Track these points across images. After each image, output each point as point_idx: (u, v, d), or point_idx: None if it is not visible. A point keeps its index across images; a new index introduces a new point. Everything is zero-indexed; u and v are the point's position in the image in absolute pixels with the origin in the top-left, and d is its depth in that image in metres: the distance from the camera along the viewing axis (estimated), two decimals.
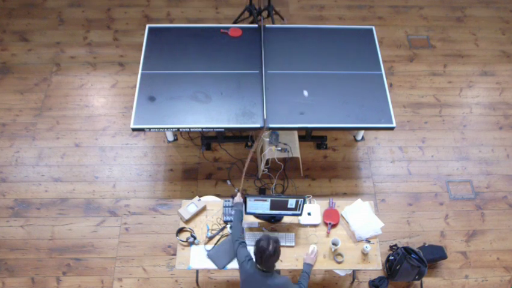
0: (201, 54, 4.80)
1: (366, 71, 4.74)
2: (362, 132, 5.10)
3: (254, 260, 3.24)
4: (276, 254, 3.14)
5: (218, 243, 3.72)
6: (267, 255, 3.11)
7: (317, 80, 4.65)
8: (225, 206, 3.88)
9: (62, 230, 4.53)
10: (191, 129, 4.37)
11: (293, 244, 3.72)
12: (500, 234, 4.63)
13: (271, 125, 4.36)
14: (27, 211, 4.63)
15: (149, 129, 4.35)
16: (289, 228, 3.81)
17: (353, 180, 4.91)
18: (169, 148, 5.07)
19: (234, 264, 3.63)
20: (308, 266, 3.52)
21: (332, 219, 3.82)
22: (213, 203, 3.96)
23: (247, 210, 3.70)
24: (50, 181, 4.81)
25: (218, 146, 5.08)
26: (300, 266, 3.64)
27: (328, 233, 3.78)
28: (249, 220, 3.84)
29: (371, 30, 5.06)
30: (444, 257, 4.33)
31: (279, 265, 3.65)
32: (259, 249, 3.13)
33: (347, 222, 3.84)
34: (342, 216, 3.87)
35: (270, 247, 3.10)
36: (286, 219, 3.85)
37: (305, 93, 3.87)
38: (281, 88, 4.59)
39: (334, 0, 6.35)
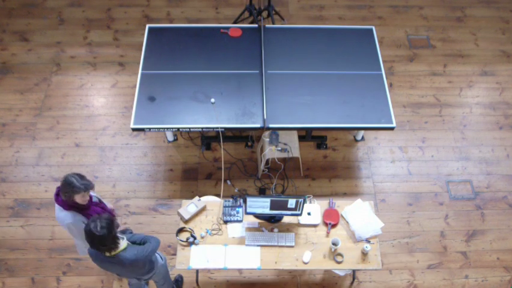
0: (201, 54, 4.80)
1: (366, 71, 4.74)
2: (362, 132, 5.10)
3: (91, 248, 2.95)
4: (108, 232, 2.81)
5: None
6: (98, 237, 2.80)
7: (317, 80, 4.65)
8: (225, 206, 3.88)
9: (62, 230, 4.53)
10: (191, 129, 4.37)
11: (293, 244, 3.72)
12: (500, 234, 4.63)
13: (271, 125, 4.36)
14: (27, 211, 4.63)
15: (149, 129, 4.35)
16: (289, 228, 3.82)
17: (353, 180, 4.91)
18: (169, 148, 5.07)
19: (234, 265, 3.64)
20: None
21: (332, 219, 3.82)
22: (213, 203, 3.96)
23: (247, 210, 3.70)
24: (50, 181, 4.81)
25: (218, 146, 5.08)
26: (300, 266, 3.64)
27: (328, 233, 3.78)
28: (249, 220, 3.84)
29: (371, 30, 5.06)
30: None
31: (278, 265, 3.66)
32: (88, 235, 2.80)
33: (347, 222, 3.84)
34: (342, 216, 3.87)
35: (98, 228, 2.79)
36: (286, 219, 3.85)
37: (212, 100, 4.13)
38: (281, 88, 4.59)
39: (334, 0, 6.35)
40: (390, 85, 5.52)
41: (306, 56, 4.82)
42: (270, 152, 4.50)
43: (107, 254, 2.96)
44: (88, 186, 3.18)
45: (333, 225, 3.81)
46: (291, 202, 3.59)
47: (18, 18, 6.02)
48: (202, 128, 4.35)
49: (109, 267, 3.12)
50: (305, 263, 3.66)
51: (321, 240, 3.76)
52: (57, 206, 3.28)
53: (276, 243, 3.72)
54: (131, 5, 6.21)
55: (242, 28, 5.02)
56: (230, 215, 3.84)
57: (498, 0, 6.41)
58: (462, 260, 4.48)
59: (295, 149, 4.54)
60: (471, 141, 5.18)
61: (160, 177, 4.86)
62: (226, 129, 4.39)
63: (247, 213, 3.75)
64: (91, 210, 3.32)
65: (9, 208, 4.65)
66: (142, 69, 4.68)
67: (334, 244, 3.64)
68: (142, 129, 4.37)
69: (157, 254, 3.61)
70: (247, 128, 4.39)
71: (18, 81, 5.47)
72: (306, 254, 3.68)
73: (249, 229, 3.80)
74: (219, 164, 4.97)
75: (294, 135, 4.63)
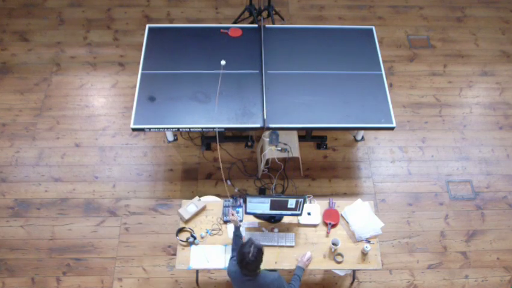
0: (201, 54, 4.80)
1: (366, 71, 4.74)
2: (362, 132, 5.10)
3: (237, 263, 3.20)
4: (256, 260, 3.11)
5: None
6: (247, 261, 3.09)
7: (317, 80, 4.65)
8: (225, 206, 3.88)
9: (62, 230, 4.53)
10: (191, 129, 4.37)
11: (293, 244, 3.72)
12: (500, 234, 4.63)
13: (271, 125, 4.36)
14: (27, 211, 4.63)
15: (149, 129, 4.35)
16: (289, 228, 3.82)
17: (353, 180, 4.90)
18: (169, 148, 5.07)
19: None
20: (300, 270, 3.52)
21: (332, 219, 3.82)
22: (213, 203, 3.96)
23: (247, 210, 3.70)
24: (50, 181, 4.81)
25: (218, 146, 5.08)
26: None
27: (328, 233, 3.78)
28: (249, 220, 3.84)
29: (371, 30, 5.06)
30: None
31: (278, 265, 3.65)
32: (240, 255, 3.12)
33: (347, 222, 3.84)
34: (342, 216, 3.87)
35: (250, 254, 3.08)
36: (286, 219, 3.85)
37: (223, 62, 4.04)
38: (281, 88, 4.59)
39: (334, 0, 6.35)
40: (390, 85, 5.52)
41: (306, 56, 4.82)
42: (270, 152, 4.50)
43: (247, 275, 3.21)
44: None
45: (333, 225, 3.81)
46: (291, 202, 3.59)
47: (18, 18, 6.02)
48: (202, 128, 4.35)
49: (239, 284, 3.32)
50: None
51: (321, 240, 3.76)
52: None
53: (276, 243, 3.72)
54: (131, 5, 6.21)
55: (242, 28, 5.02)
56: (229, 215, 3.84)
57: (498, 0, 6.41)
58: (462, 260, 4.48)
59: (295, 149, 4.54)
60: (471, 141, 5.18)
61: (160, 177, 4.86)
62: (226, 129, 4.39)
63: (247, 213, 3.75)
64: None
65: (9, 208, 4.65)
66: (142, 69, 4.68)
67: (334, 244, 3.64)
68: (142, 129, 4.37)
69: None
70: (247, 128, 4.39)
71: (18, 81, 5.47)
72: (308, 254, 3.67)
73: (249, 229, 3.80)
74: (219, 164, 4.97)
75: (294, 135, 4.63)
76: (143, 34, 5.64)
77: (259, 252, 3.13)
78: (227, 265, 3.48)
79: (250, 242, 3.15)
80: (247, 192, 4.77)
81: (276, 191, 4.79)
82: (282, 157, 4.57)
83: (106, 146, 5.04)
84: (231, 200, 3.93)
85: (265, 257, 3.63)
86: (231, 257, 3.41)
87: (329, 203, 3.92)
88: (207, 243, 3.74)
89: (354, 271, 4.26)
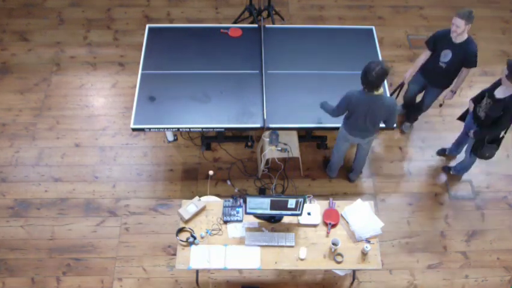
0: (201, 54, 4.80)
1: None
2: None
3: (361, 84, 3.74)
4: (377, 80, 3.59)
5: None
6: (376, 73, 3.55)
7: (317, 80, 4.65)
8: (225, 206, 3.88)
9: (62, 230, 4.53)
10: (191, 129, 4.37)
11: (293, 244, 3.72)
12: (500, 234, 4.63)
13: (271, 125, 4.36)
14: (27, 211, 4.63)
15: (149, 129, 4.35)
16: (289, 228, 3.82)
17: None
18: (169, 148, 5.07)
19: (234, 265, 3.64)
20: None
21: (332, 219, 3.82)
22: (213, 203, 3.96)
23: (247, 210, 3.70)
24: (50, 181, 4.81)
25: (218, 146, 5.08)
26: (300, 266, 3.64)
27: (328, 233, 3.78)
28: (249, 220, 3.84)
29: (371, 30, 5.06)
30: None
31: (278, 265, 3.66)
32: (365, 72, 3.61)
33: (347, 222, 3.84)
34: (342, 216, 3.87)
35: (374, 72, 3.55)
36: (286, 219, 3.85)
37: (210, 172, 4.09)
38: (281, 88, 4.59)
39: (334, 0, 6.35)
40: (390, 85, 5.52)
41: (306, 56, 4.82)
42: (270, 152, 4.50)
43: (374, 92, 3.73)
44: None
45: (333, 225, 3.81)
46: (291, 202, 3.59)
47: (18, 18, 6.02)
48: (202, 128, 4.36)
49: (362, 108, 3.84)
50: (302, 259, 3.65)
51: (321, 240, 3.76)
52: None
53: (276, 243, 3.72)
54: (131, 5, 6.21)
55: (242, 28, 5.02)
56: (230, 215, 3.84)
57: (498, 0, 6.41)
58: (462, 260, 4.48)
59: (295, 149, 4.54)
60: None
61: (160, 177, 4.86)
62: (226, 129, 4.39)
63: (247, 213, 3.75)
64: None
65: (9, 208, 4.65)
66: (142, 69, 4.68)
67: (334, 244, 3.64)
68: (142, 129, 4.37)
69: None
70: (247, 128, 4.40)
71: (18, 81, 5.47)
72: (302, 250, 3.68)
73: (249, 229, 3.80)
74: (219, 164, 4.97)
75: (294, 135, 4.63)
76: (143, 34, 5.64)
77: (384, 72, 3.57)
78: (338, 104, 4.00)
79: (378, 62, 3.59)
80: (247, 192, 4.77)
81: (276, 191, 4.79)
82: (282, 157, 4.57)
83: (106, 146, 5.04)
84: (231, 200, 3.93)
85: (265, 257, 3.64)
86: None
87: (329, 203, 3.92)
88: (206, 243, 3.74)
89: (354, 271, 4.26)
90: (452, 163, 4.96)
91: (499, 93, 3.85)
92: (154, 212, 4.65)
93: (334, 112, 4.05)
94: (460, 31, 4.09)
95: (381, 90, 3.77)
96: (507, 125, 3.95)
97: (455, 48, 4.21)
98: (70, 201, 4.69)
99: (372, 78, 3.60)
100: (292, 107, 4.46)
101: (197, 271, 4.27)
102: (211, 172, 4.09)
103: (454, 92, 4.58)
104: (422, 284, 4.35)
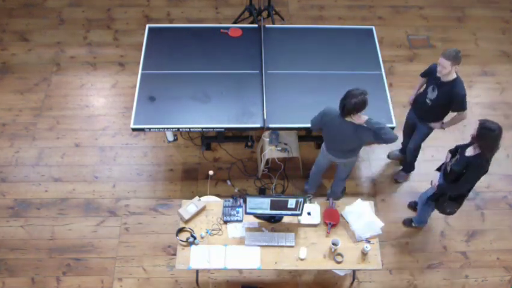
0: (201, 54, 4.80)
1: (366, 71, 4.74)
2: None
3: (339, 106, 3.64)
4: (354, 108, 3.53)
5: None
6: (345, 103, 3.54)
7: (317, 80, 4.65)
8: (225, 206, 3.88)
9: (62, 230, 4.53)
10: (191, 129, 4.37)
11: (293, 244, 3.72)
12: (500, 234, 4.62)
13: (271, 125, 4.36)
14: (27, 211, 4.63)
15: (149, 129, 4.35)
16: (289, 228, 3.81)
17: (353, 180, 4.90)
18: (169, 148, 5.07)
19: (234, 265, 3.64)
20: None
21: (332, 220, 3.82)
22: (213, 203, 3.96)
23: (247, 210, 3.70)
24: (50, 181, 4.81)
25: (218, 146, 5.08)
26: (300, 266, 3.64)
27: (328, 233, 3.78)
28: (249, 220, 3.84)
29: (371, 30, 5.06)
30: None
31: (278, 265, 3.65)
32: (347, 94, 3.56)
33: (347, 222, 3.84)
34: (342, 216, 3.87)
35: (354, 100, 3.50)
36: (286, 219, 3.85)
37: (210, 172, 4.17)
38: (281, 88, 4.59)
39: (334, 0, 6.35)
40: (390, 85, 5.52)
41: (306, 56, 4.82)
42: (270, 152, 4.50)
43: (347, 118, 3.65)
44: None
45: (333, 225, 3.81)
46: (291, 202, 3.59)
47: (18, 18, 6.02)
48: (202, 128, 4.36)
49: (333, 129, 3.78)
50: (302, 259, 3.65)
51: (321, 240, 3.76)
52: None
53: (276, 243, 3.72)
54: (131, 5, 6.21)
55: (242, 28, 5.02)
56: (230, 215, 3.84)
57: (498, 0, 6.40)
58: (462, 260, 4.48)
59: (295, 149, 4.54)
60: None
61: (160, 177, 4.86)
62: (226, 129, 4.39)
63: (247, 213, 3.75)
64: None
65: (9, 208, 4.65)
66: (142, 69, 4.68)
67: (334, 244, 3.64)
68: (142, 129, 4.37)
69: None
70: (247, 128, 4.40)
71: (18, 81, 5.47)
72: (302, 250, 3.67)
73: (249, 229, 3.80)
74: (219, 164, 4.97)
75: (294, 135, 4.63)
76: (143, 34, 5.61)
77: (363, 102, 3.53)
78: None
79: (362, 90, 3.56)
80: (247, 192, 4.77)
81: (276, 191, 4.79)
82: (282, 157, 4.57)
83: (106, 146, 5.04)
84: (231, 200, 3.93)
85: (265, 257, 3.64)
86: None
87: (329, 203, 3.92)
88: (206, 243, 3.74)
89: (354, 271, 4.26)
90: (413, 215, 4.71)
91: (469, 151, 3.64)
92: (154, 212, 4.65)
93: (311, 124, 4.00)
94: (445, 72, 3.78)
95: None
96: (468, 185, 3.72)
97: (441, 86, 3.93)
98: (70, 201, 4.69)
99: (350, 105, 3.53)
100: (292, 107, 4.46)
101: (197, 271, 4.27)
102: (211, 172, 4.10)
103: (443, 124, 4.26)
104: (422, 284, 4.35)
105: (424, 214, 4.41)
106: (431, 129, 4.40)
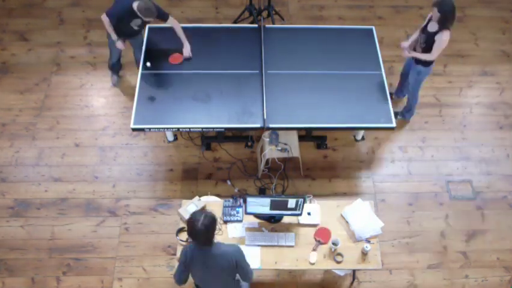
0: (201, 54, 4.80)
1: (366, 71, 4.74)
2: (362, 132, 5.10)
3: (190, 240, 3.02)
4: (206, 230, 2.87)
5: None
6: (196, 231, 2.85)
7: (317, 80, 4.65)
8: (225, 206, 3.88)
9: (62, 230, 4.53)
10: (191, 129, 4.37)
11: (293, 244, 3.72)
12: (500, 234, 4.62)
13: (271, 125, 4.36)
14: (27, 211, 4.63)
15: (149, 129, 4.35)
16: (289, 228, 3.81)
17: (353, 180, 4.90)
18: (169, 148, 5.07)
19: None
20: None
21: (322, 237, 3.74)
22: (213, 203, 3.96)
23: (247, 210, 3.70)
24: (50, 181, 4.81)
25: (218, 146, 5.08)
26: (300, 266, 3.64)
27: (314, 249, 3.68)
28: (249, 220, 3.84)
29: (371, 30, 5.06)
30: None
31: (278, 265, 3.65)
32: (189, 225, 2.88)
33: (347, 222, 3.84)
34: (342, 216, 3.87)
35: (199, 223, 2.84)
36: (286, 219, 3.85)
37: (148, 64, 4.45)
38: (281, 88, 4.59)
39: (334, 0, 6.35)
40: (390, 85, 5.51)
41: (306, 56, 4.82)
42: (270, 152, 4.50)
43: (207, 246, 3.01)
44: None
45: (322, 243, 3.73)
46: (291, 202, 3.59)
47: (18, 18, 6.02)
48: (202, 128, 4.36)
49: (197, 263, 3.08)
50: (312, 264, 3.64)
51: None
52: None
53: (276, 243, 3.72)
54: None
55: (242, 28, 5.02)
56: (230, 215, 3.84)
57: (498, 0, 6.40)
58: (462, 260, 4.48)
59: (295, 149, 4.54)
60: (471, 141, 5.18)
61: (160, 177, 4.86)
62: (226, 129, 4.39)
63: (247, 213, 3.75)
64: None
65: (9, 208, 4.65)
66: (142, 69, 4.68)
67: (334, 244, 3.64)
68: (142, 129, 4.37)
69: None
70: (247, 128, 4.40)
71: (18, 81, 5.47)
72: (312, 255, 3.66)
73: (249, 229, 3.80)
74: (219, 164, 4.97)
75: (294, 135, 4.63)
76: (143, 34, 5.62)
77: (210, 221, 2.88)
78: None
79: (200, 211, 2.94)
80: (247, 192, 4.77)
81: (276, 191, 4.79)
82: (282, 157, 4.57)
83: (106, 146, 5.04)
84: (231, 200, 3.92)
85: (265, 257, 3.63)
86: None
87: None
88: None
89: (354, 271, 4.26)
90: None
91: (431, 28, 4.36)
92: (154, 212, 4.65)
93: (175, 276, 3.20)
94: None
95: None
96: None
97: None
98: (70, 201, 4.69)
99: (201, 231, 2.86)
100: (292, 107, 4.46)
101: None
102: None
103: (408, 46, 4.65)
104: (422, 284, 4.35)
105: (412, 104, 5.03)
106: (421, 70, 4.72)
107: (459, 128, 5.27)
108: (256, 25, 5.13)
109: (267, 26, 5.08)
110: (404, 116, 5.23)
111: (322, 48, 4.90)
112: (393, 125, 4.42)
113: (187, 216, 3.79)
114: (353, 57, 4.83)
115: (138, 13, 4.35)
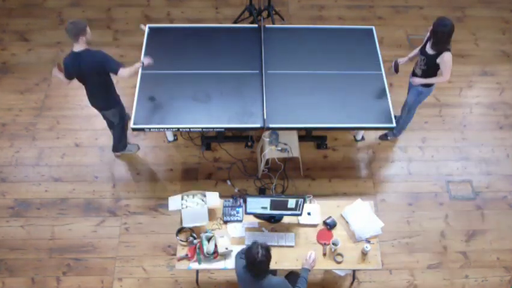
0: (201, 54, 4.80)
1: (366, 71, 4.74)
2: (362, 132, 5.10)
3: (246, 265, 3.15)
4: (267, 260, 3.05)
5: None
6: (258, 262, 3.01)
7: (317, 80, 4.65)
8: (225, 206, 3.88)
9: (62, 230, 4.53)
10: (191, 129, 4.37)
11: (293, 244, 3.72)
12: (500, 234, 4.62)
13: (271, 125, 4.36)
14: (27, 211, 4.63)
15: (149, 129, 4.35)
16: (289, 228, 3.82)
17: (353, 180, 4.90)
18: (169, 148, 5.07)
19: (234, 265, 3.63)
20: (306, 271, 3.45)
21: (325, 239, 3.75)
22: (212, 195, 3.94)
23: (247, 210, 3.70)
24: (50, 181, 4.81)
25: (218, 146, 5.08)
26: (300, 266, 3.64)
27: (324, 254, 3.71)
28: (249, 220, 3.84)
29: (371, 30, 5.06)
30: None
31: (279, 265, 3.65)
32: (249, 258, 3.04)
33: (347, 222, 3.84)
34: (342, 216, 3.87)
35: (260, 255, 3.00)
36: (286, 219, 3.85)
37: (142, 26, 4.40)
38: (281, 88, 4.59)
39: (334, 0, 6.35)
40: (390, 85, 5.52)
41: (306, 56, 4.82)
42: (270, 152, 4.50)
43: (254, 277, 3.14)
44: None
45: (328, 244, 3.75)
46: (291, 202, 3.59)
47: (18, 18, 6.02)
48: (202, 128, 4.36)
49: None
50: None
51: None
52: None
53: (276, 243, 3.72)
54: (131, 5, 6.21)
55: (242, 28, 5.02)
56: (230, 215, 3.84)
57: (498, 0, 6.40)
58: (462, 260, 4.48)
59: (295, 149, 4.54)
60: (471, 141, 5.18)
61: (160, 177, 4.86)
62: (226, 129, 4.39)
63: (247, 213, 3.75)
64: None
65: (9, 208, 4.65)
66: (142, 69, 4.68)
67: (334, 244, 3.64)
68: (142, 129, 4.37)
69: None
70: (247, 128, 4.40)
71: (18, 81, 5.47)
72: (309, 252, 3.65)
73: (249, 229, 3.80)
74: (219, 164, 4.97)
75: (294, 135, 4.63)
76: (143, 34, 5.62)
77: (267, 251, 3.06)
78: (234, 263, 3.43)
79: (256, 243, 3.07)
80: (247, 192, 4.77)
81: (276, 191, 4.79)
82: (282, 157, 4.57)
83: (106, 146, 5.04)
84: (231, 200, 3.93)
85: None
86: (239, 255, 3.34)
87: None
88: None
89: (354, 271, 4.26)
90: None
91: (430, 50, 4.24)
92: (154, 212, 4.65)
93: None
94: None
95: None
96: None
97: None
98: (70, 201, 4.69)
99: (263, 262, 3.03)
100: (292, 107, 4.46)
101: (197, 271, 4.27)
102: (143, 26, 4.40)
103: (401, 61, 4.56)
104: (422, 284, 4.35)
105: (406, 121, 4.93)
106: (423, 91, 4.57)
107: (459, 128, 5.27)
108: (256, 25, 5.13)
109: (267, 26, 5.08)
110: (395, 134, 5.12)
111: (322, 48, 4.90)
112: (393, 125, 4.42)
113: (173, 207, 3.77)
114: (353, 57, 4.83)
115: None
